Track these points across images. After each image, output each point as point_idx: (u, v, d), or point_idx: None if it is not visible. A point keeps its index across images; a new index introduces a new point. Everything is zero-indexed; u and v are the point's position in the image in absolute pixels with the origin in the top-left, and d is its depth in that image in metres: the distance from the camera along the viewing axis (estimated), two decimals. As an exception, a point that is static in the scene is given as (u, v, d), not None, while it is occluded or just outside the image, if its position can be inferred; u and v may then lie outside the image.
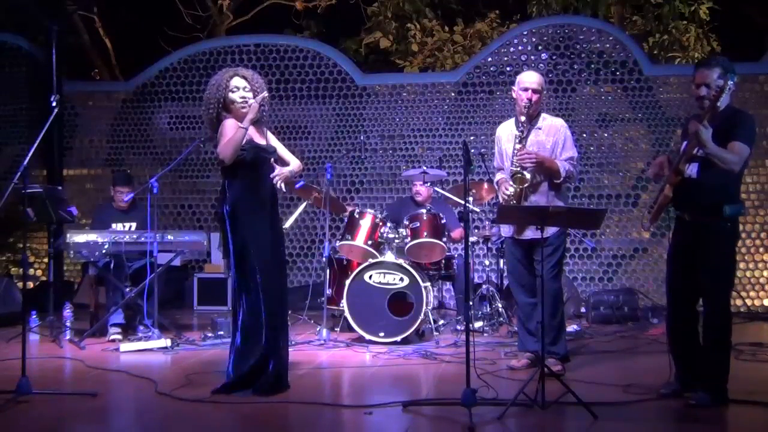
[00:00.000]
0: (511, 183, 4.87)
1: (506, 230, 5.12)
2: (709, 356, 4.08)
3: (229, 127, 4.35)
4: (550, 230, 4.84)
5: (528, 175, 4.83)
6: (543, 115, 5.04)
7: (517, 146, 4.87)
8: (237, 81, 4.43)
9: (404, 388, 4.63)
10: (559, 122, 5.05)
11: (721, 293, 4.11)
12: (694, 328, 4.20)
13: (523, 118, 4.89)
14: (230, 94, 4.41)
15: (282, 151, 4.67)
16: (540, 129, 4.98)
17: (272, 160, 4.53)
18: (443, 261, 6.54)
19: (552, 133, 4.97)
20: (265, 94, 4.42)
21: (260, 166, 4.44)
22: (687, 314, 4.20)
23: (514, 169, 4.86)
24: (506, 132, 5.10)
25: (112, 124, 9.25)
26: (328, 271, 6.58)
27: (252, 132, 4.42)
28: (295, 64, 8.98)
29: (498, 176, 5.20)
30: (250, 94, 4.43)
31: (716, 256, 4.05)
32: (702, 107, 4.06)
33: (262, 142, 4.50)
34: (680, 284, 4.22)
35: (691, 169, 4.08)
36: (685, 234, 4.20)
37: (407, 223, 6.22)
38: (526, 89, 4.90)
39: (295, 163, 4.66)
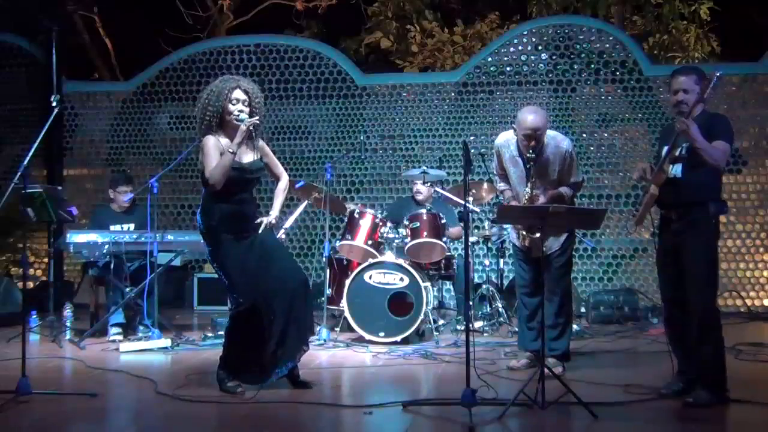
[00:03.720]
0: (527, 234, 4.81)
1: (514, 237, 5.10)
2: (702, 353, 4.10)
3: (213, 147, 4.33)
4: (559, 240, 4.88)
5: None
6: (546, 138, 4.82)
7: (527, 202, 4.77)
8: (238, 93, 4.40)
9: (404, 388, 4.63)
10: (564, 146, 4.83)
11: (707, 289, 4.15)
12: (690, 324, 4.21)
13: (528, 164, 4.75)
14: (229, 105, 4.39)
15: (272, 163, 4.67)
16: (546, 160, 4.81)
17: (249, 179, 4.49)
18: (443, 261, 6.54)
19: (557, 161, 4.82)
20: (256, 119, 4.38)
21: (242, 186, 4.44)
22: (682, 310, 4.22)
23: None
24: (507, 150, 4.94)
25: (112, 124, 9.25)
26: (328, 271, 6.58)
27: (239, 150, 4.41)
28: (295, 64, 8.98)
29: (501, 185, 5.13)
30: (248, 109, 4.42)
31: (701, 252, 4.12)
32: (680, 112, 4.15)
33: (250, 158, 4.48)
34: (671, 281, 4.28)
35: (676, 169, 4.18)
36: (671, 232, 4.26)
37: (407, 223, 6.22)
38: (528, 135, 4.71)
39: (283, 180, 4.70)
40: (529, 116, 4.72)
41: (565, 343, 4.97)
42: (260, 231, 4.49)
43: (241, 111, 4.39)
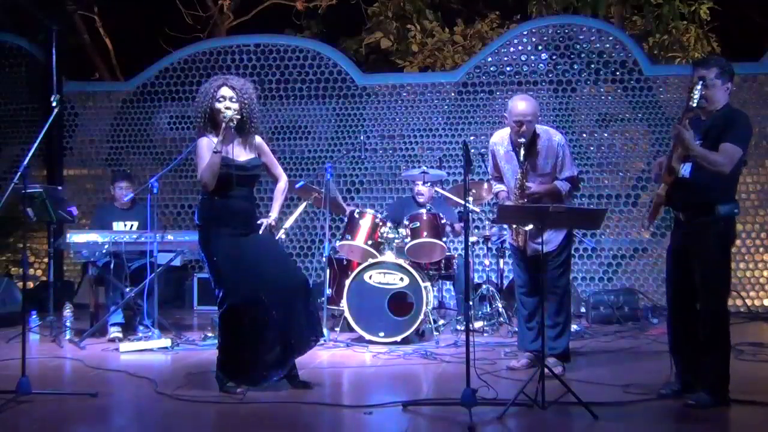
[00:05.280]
0: (518, 226, 4.81)
1: (510, 238, 5.10)
2: (708, 357, 4.07)
3: (204, 148, 4.37)
4: (556, 241, 4.86)
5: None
6: (538, 131, 4.89)
7: (517, 190, 4.81)
8: (224, 91, 4.41)
9: (404, 388, 4.64)
10: (556, 140, 4.90)
11: (716, 293, 4.10)
12: (695, 329, 4.19)
13: (521, 151, 4.80)
14: (216, 104, 4.40)
15: (270, 163, 4.68)
16: (538, 152, 4.87)
17: (244, 176, 4.46)
18: (443, 261, 6.54)
19: (550, 155, 4.87)
20: (233, 114, 4.35)
21: (231, 184, 4.41)
22: (687, 314, 4.20)
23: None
24: (502, 146, 5.00)
25: (112, 124, 9.25)
26: (328, 271, 6.58)
27: (231, 147, 4.41)
28: (295, 64, 8.98)
29: (497, 187, 5.16)
30: (236, 105, 4.40)
31: (709, 256, 4.05)
32: (700, 107, 4.06)
33: (245, 155, 4.49)
34: (679, 284, 4.22)
35: (685, 169, 4.10)
36: (680, 233, 4.22)
37: (407, 223, 6.22)
38: (518, 120, 4.77)
39: (281, 181, 4.71)
40: (520, 102, 4.82)
41: (564, 343, 4.97)
42: (260, 232, 4.49)
43: (228, 108, 4.38)
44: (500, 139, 5.04)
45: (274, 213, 4.63)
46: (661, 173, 4.19)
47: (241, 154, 4.48)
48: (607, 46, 8.50)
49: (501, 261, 7.16)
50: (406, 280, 5.99)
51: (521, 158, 4.80)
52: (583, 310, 7.50)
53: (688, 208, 4.13)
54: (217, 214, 4.42)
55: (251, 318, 4.42)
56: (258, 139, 4.60)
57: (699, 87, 3.95)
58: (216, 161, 4.31)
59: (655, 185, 4.46)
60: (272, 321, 4.44)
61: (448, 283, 7.49)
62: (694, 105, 3.97)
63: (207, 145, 4.37)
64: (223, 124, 4.33)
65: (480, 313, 6.70)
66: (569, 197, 5.01)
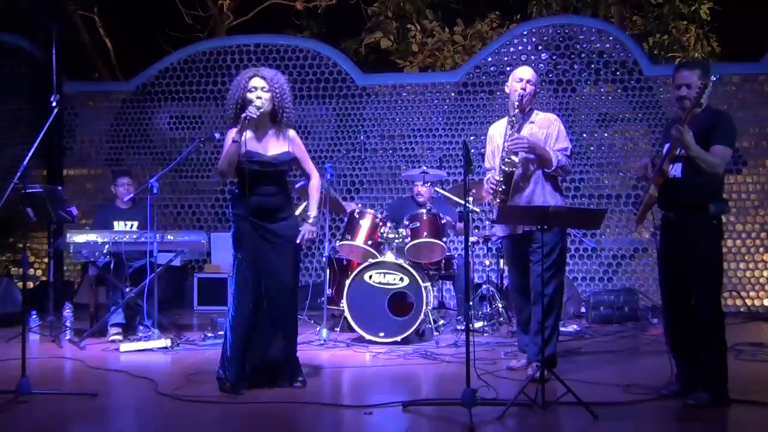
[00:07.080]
0: (502, 167, 4.78)
1: (500, 230, 5.10)
2: (705, 355, 4.08)
3: (230, 139, 4.40)
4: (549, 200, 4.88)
5: (516, 158, 4.75)
6: (535, 111, 5.01)
7: (509, 131, 4.84)
8: (256, 81, 4.43)
9: (404, 388, 4.64)
10: (552, 116, 5.02)
11: (710, 291, 4.12)
12: (691, 328, 4.19)
13: (515, 111, 4.84)
14: (248, 94, 4.42)
15: (301, 158, 4.65)
16: (533, 123, 4.94)
17: (271, 172, 4.48)
18: (443, 261, 6.54)
19: (545, 126, 4.92)
20: (251, 113, 4.34)
21: (264, 178, 4.43)
22: (682, 313, 4.20)
23: (505, 154, 4.80)
24: (499, 129, 5.05)
25: (112, 124, 9.25)
26: (328, 271, 6.58)
27: (259, 141, 4.44)
28: (295, 64, 8.98)
29: (488, 175, 5.17)
30: (268, 95, 4.42)
31: (702, 254, 4.08)
32: (682, 107, 4.13)
33: (275, 149, 4.49)
34: (672, 284, 4.25)
35: (675, 170, 4.14)
36: (672, 234, 4.24)
37: (407, 223, 6.22)
38: (520, 80, 4.88)
39: (313, 178, 4.70)
40: (522, 68, 5.02)
41: (552, 349, 4.84)
42: (298, 241, 4.53)
43: (258, 98, 4.41)
44: (498, 124, 5.11)
45: (312, 211, 4.64)
46: (647, 174, 4.23)
47: (271, 148, 4.49)
48: (607, 46, 8.50)
49: (501, 261, 7.16)
50: (406, 280, 5.99)
51: (515, 118, 4.84)
52: (583, 310, 7.50)
53: (681, 208, 4.16)
54: (243, 210, 4.45)
55: (255, 319, 4.43)
56: (292, 132, 4.60)
57: (708, 90, 4.02)
58: (232, 151, 4.35)
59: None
60: (273, 323, 4.45)
61: (448, 283, 7.49)
62: (704, 103, 4.03)
63: (232, 136, 4.42)
64: (243, 115, 4.34)
65: (480, 313, 6.70)
66: (562, 172, 4.90)
